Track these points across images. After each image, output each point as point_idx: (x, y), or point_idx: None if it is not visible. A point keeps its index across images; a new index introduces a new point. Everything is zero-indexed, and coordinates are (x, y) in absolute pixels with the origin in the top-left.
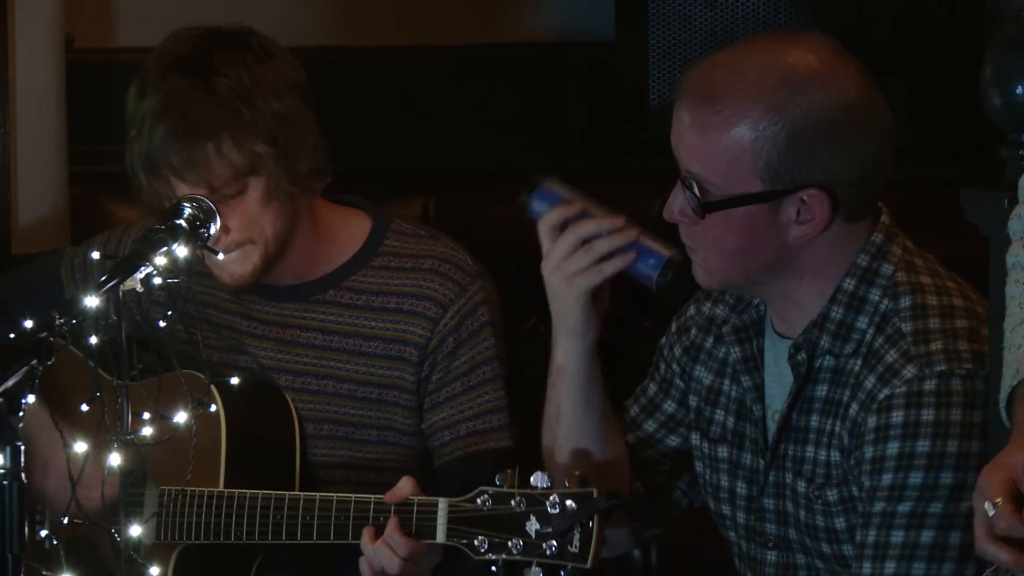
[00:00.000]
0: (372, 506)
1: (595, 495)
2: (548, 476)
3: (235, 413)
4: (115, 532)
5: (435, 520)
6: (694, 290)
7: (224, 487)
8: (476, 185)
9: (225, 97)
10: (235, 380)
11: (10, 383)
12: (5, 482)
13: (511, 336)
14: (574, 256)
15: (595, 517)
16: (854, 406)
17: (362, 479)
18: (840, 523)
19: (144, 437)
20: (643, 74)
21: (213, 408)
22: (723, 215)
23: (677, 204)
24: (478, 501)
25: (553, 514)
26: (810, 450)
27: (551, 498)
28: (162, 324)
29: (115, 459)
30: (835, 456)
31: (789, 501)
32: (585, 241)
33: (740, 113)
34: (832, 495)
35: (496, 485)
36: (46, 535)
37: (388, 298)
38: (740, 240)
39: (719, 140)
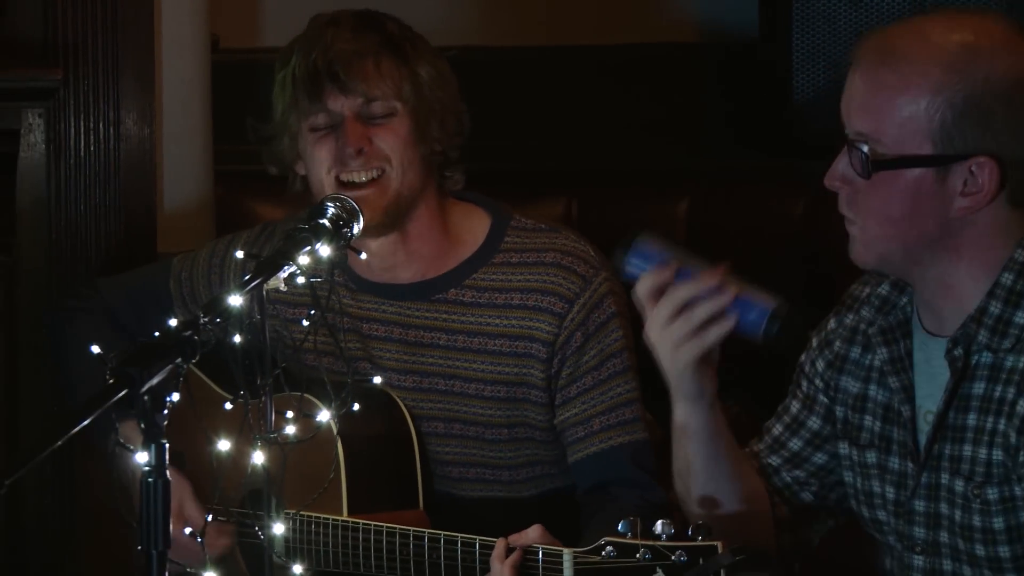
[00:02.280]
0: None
1: (720, 549)
2: (671, 524)
3: (351, 429)
4: (259, 530)
5: (560, 570)
6: (803, 337)
7: (347, 506)
8: (618, 186)
9: (391, 32)
10: (378, 379)
11: (155, 381)
12: (151, 479)
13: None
14: (675, 324)
15: (720, 573)
16: (1022, 403)
17: (496, 478)
18: (999, 523)
19: (288, 436)
20: (787, 74)
21: (356, 407)
22: (889, 177)
23: (840, 168)
24: (603, 553)
25: (678, 567)
26: (968, 448)
27: (676, 552)
28: (305, 323)
29: (259, 458)
30: (997, 455)
31: (943, 502)
32: (684, 306)
33: (919, 73)
34: (992, 494)
35: (620, 533)
36: (190, 532)
37: (511, 294)
38: (903, 206)
39: (894, 99)
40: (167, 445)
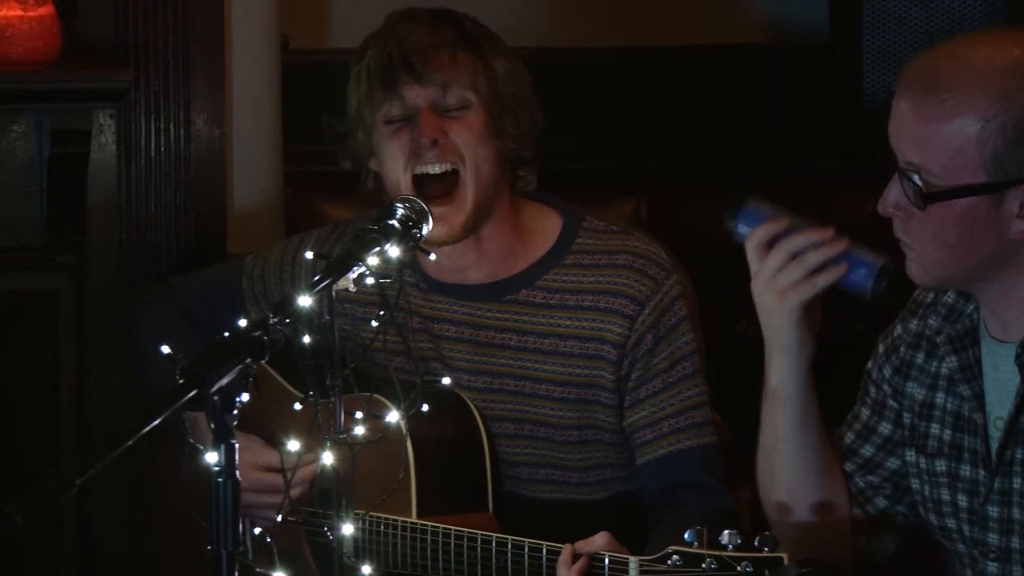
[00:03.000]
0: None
1: (785, 561)
2: (738, 535)
3: (420, 430)
4: (328, 531)
5: None
6: (909, 297)
7: (417, 508)
8: (687, 187)
9: (466, 29)
10: (447, 380)
11: (225, 381)
12: (220, 479)
13: (723, 339)
14: (785, 271)
15: None
16: None
17: (565, 480)
18: None
19: (357, 437)
20: (857, 76)
21: (425, 408)
22: (943, 207)
23: (893, 196)
24: (668, 562)
25: None
26: None
27: (742, 564)
28: (375, 324)
29: (328, 458)
30: None
31: (1016, 507)
32: (795, 256)
33: (966, 102)
34: None
35: (686, 542)
36: (259, 532)
37: (583, 296)
38: (960, 233)
39: (943, 129)
40: (236, 446)
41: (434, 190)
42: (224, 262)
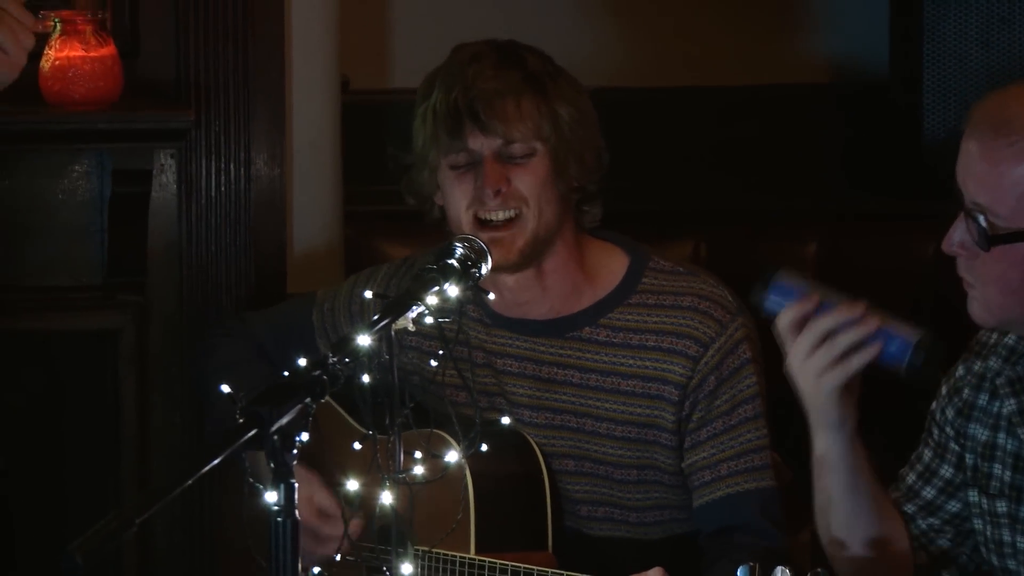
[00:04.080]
0: None
1: None
2: (789, 572)
3: (481, 466)
4: (387, 570)
5: None
6: (946, 369)
7: (475, 545)
8: (747, 226)
9: (532, 69)
10: (506, 420)
11: (284, 421)
12: (280, 519)
13: (784, 379)
14: (818, 353)
15: None
16: None
17: (623, 518)
18: None
19: (416, 475)
20: (917, 114)
21: (485, 447)
22: (1008, 249)
23: (958, 236)
24: None
25: None
26: None
27: None
28: (434, 363)
29: (387, 498)
30: None
31: None
32: (827, 335)
33: None
34: None
35: None
36: (318, 572)
37: (647, 336)
38: (1023, 277)
39: (1011, 172)
40: (296, 485)
41: (495, 228)
42: (296, 296)
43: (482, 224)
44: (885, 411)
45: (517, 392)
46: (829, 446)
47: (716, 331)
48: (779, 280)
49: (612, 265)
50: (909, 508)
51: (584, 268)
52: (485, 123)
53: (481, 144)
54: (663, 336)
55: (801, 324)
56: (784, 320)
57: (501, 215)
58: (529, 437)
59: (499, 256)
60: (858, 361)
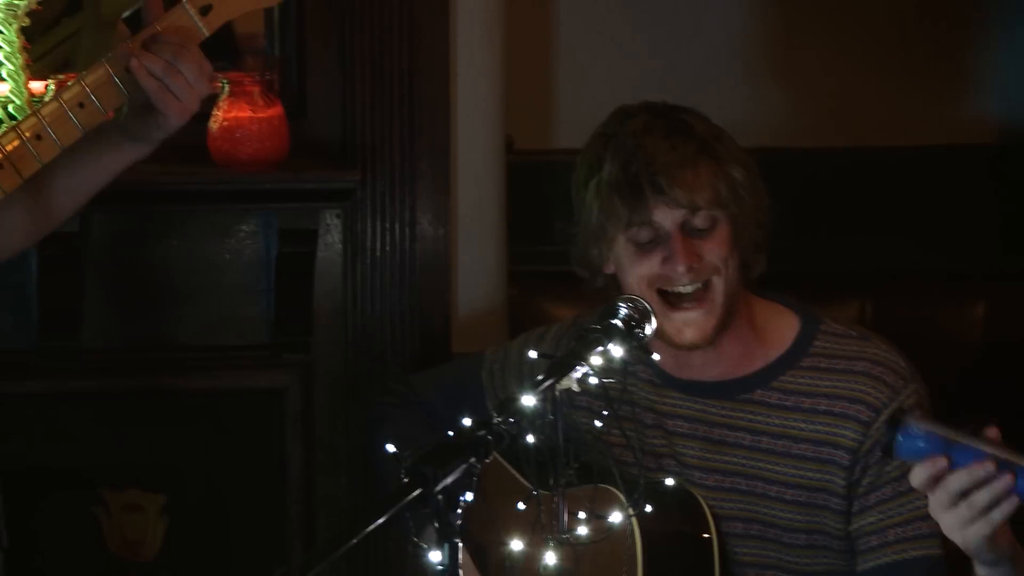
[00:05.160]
0: None
1: None
2: None
3: (650, 523)
4: None
5: None
6: None
7: None
8: (913, 287)
9: (700, 132)
10: (670, 481)
11: (449, 480)
12: None
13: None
14: (958, 510)
15: None
16: None
17: None
18: None
19: (580, 537)
20: None
21: (649, 509)
22: None
23: None
24: None
25: None
26: None
27: None
28: (598, 424)
29: (550, 558)
30: None
31: None
32: (963, 494)
33: None
34: None
35: None
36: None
37: (818, 400)
38: None
39: None
40: (460, 545)
41: (684, 301)
42: (463, 357)
43: (669, 301)
44: None
45: (687, 453)
46: (988, 574)
47: (889, 397)
48: (907, 425)
49: (783, 327)
50: None
51: (755, 330)
52: (669, 195)
53: (665, 217)
54: (835, 400)
55: (935, 481)
56: (917, 478)
57: (691, 288)
58: (699, 497)
59: (693, 337)
60: (1000, 514)
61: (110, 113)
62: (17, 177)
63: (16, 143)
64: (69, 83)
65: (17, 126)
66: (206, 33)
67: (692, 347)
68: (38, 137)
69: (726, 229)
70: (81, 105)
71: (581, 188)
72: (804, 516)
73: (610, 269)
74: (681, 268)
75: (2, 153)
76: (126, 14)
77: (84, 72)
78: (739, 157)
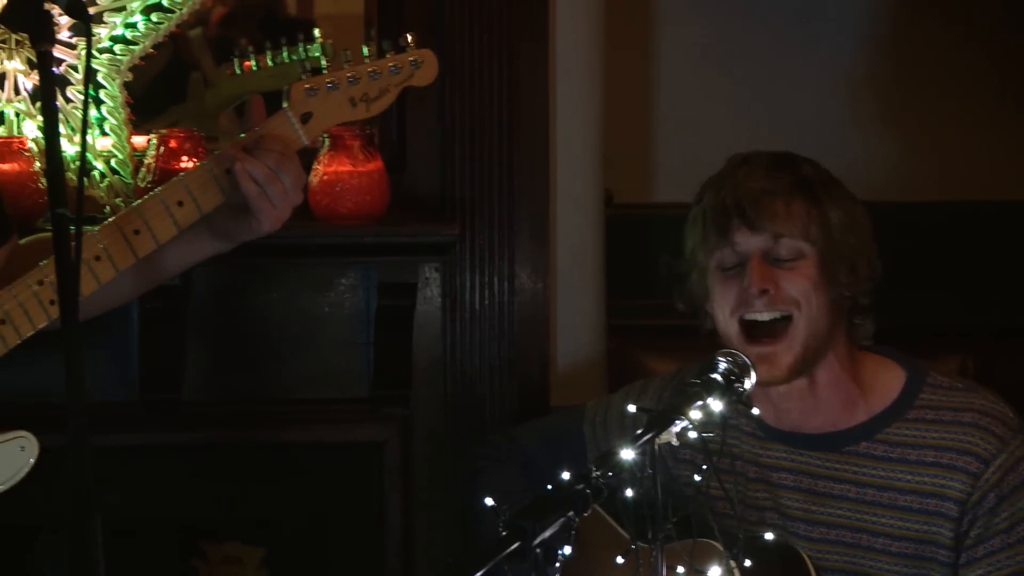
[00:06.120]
0: None
1: None
2: None
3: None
4: None
5: None
6: None
7: None
8: (1016, 343)
9: (805, 173)
10: (769, 535)
11: (547, 534)
12: None
13: None
14: None
15: None
16: None
17: None
18: None
19: None
20: None
21: (748, 563)
22: None
23: None
24: None
25: None
26: None
27: None
28: (698, 478)
29: None
30: None
31: None
32: None
33: None
34: None
35: None
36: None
37: (925, 451)
38: None
39: None
40: None
41: (763, 334)
42: (564, 410)
43: (750, 332)
44: None
45: (791, 506)
46: None
47: (997, 448)
48: None
49: (888, 380)
50: None
51: (858, 382)
52: (752, 220)
53: (748, 242)
54: (943, 452)
55: None
56: None
57: (767, 316)
58: (802, 550)
59: (766, 372)
60: None
61: (206, 212)
62: (113, 269)
63: (115, 237)
64: (170, 180)
65: (117, 220)
66: (305, 142)
67: (767, 383)
68: (136, 232)
69: (812, 265)
70: (180, 203)
71: (688, 222)
72: (910, 568)
73: (711, 308)
74: (754, 290)
75: (101, 246)
76: (228, 108)
77: (186, 172)
78: (843, 203)
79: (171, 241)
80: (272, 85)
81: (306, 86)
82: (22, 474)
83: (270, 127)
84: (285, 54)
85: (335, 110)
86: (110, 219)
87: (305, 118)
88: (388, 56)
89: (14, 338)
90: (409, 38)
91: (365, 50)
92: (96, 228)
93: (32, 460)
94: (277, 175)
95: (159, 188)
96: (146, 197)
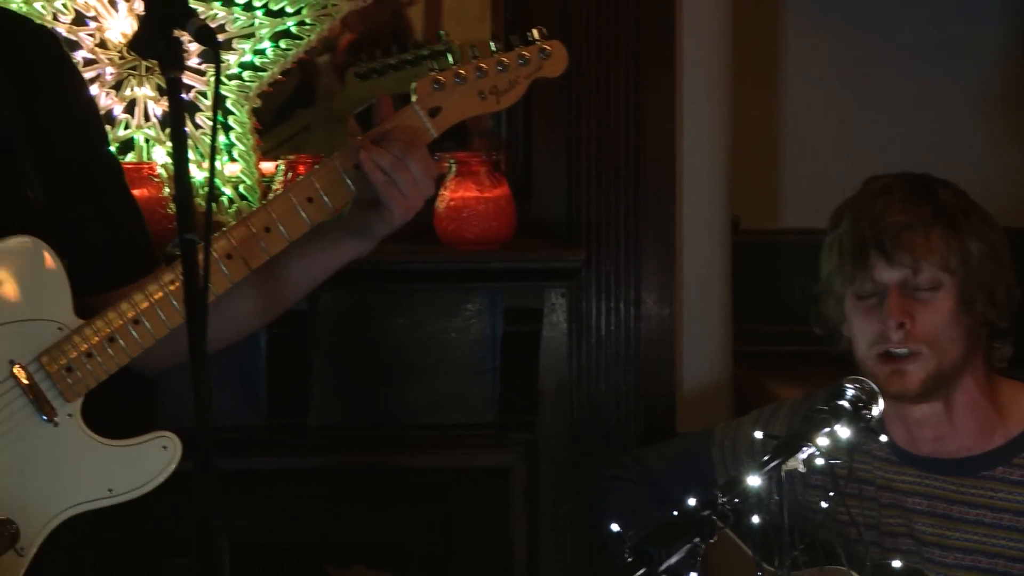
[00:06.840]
0: None
1: None
2: None
3: None
4: None
5: None
6: None
7: None
8: None
9: (944, 202)
10: (897, 563)
11: (673, 560)
12: None
13: None
14: None
15: None
16: None
17: None
18: None
19: None
20: None
21: None
22: None
23: None
24: None
25: None
26: None
27: None
28: (825, 505)
29: None
30: None
31: None
32: None
33: None
34: None
35: None
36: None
37: None
38: None
39: None
40: None
41: (898, 359)
42: (692, 433)
43: (884, 359)
44: None
45: (925, 531)
46: None
47: None
48: None
49: None
50: None
51: (995, 406)
52: (891, 255)
53: (886, 275)
54: None
55: None
56: None
57: (903, 350)
58: None
59: (898, 387)
60: None
61: (337, 208)
62: (245, 268)
63: (246, 236)
64: (299, 178)
65: (247, 219)
66: (434, 134)
67: (899, 399)
68: (267, 230)
69: (950, 297)
70: (310, 200)
71: (824, 247)
72: None
73: (847, 331)
74: (892, 322)
75: (233, 244)
76: (357, 111)
77: (314, 168)
78: (983, 232)
79: (306, 253)
80: (399, 87)
81: (433, 80)
82: (166, 474)
83: (397, 121)
84: (411, 56)
85: (464, 104)
86: (240, 218)
87: (433, 112)
88: (516, 49)
89: (149, 339)
90: (536, 33)
91: (493, 45)
92: (226, 228)
93: (175, 460)
94: (404, 163)
95: (288, 186)
96: (274, 196)
